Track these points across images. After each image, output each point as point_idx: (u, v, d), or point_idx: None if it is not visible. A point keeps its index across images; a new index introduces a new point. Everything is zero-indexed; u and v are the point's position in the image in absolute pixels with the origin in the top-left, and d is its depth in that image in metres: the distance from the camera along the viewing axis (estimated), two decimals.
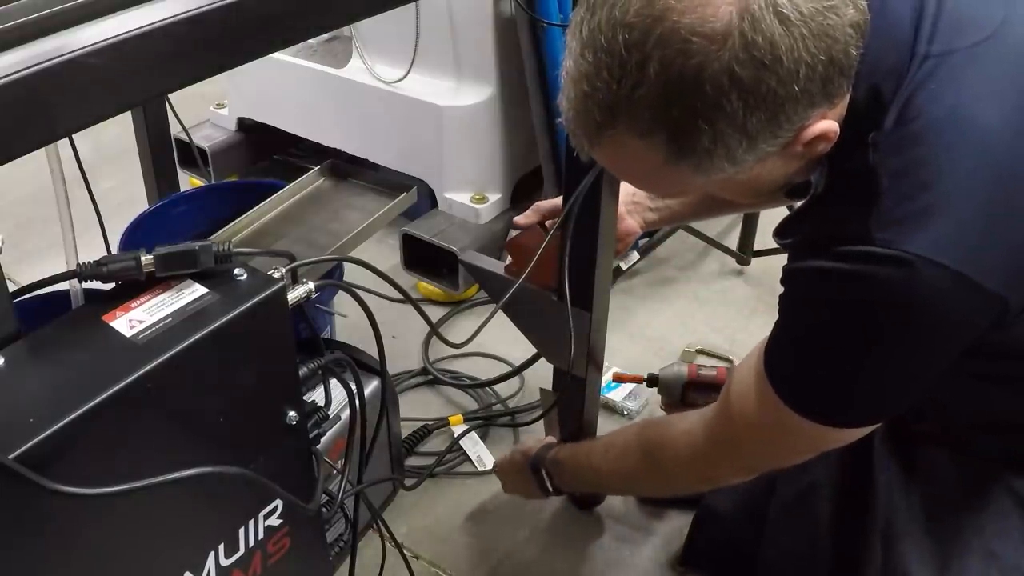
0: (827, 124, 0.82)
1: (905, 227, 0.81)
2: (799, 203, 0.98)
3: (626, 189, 1.38)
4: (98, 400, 0.72)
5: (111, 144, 2.30)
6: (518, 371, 1.53)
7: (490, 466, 1.72)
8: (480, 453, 1.75)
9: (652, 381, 1.59)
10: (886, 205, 0.82)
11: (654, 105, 0.77)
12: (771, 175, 0.88)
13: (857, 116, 0.85)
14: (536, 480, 1.43)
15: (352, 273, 1.38)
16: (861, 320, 0.87)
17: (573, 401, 1.48)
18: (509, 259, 1.41)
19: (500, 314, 1.32)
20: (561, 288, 1.32)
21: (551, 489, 1.43)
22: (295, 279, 0.92)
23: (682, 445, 1.15)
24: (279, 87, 2.28)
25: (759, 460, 1.10)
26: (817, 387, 0.95)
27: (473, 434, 1.78)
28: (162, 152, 1.69)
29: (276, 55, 1.98)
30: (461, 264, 1.50)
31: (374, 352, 1.13)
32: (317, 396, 1.05)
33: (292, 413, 0.93)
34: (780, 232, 0.99)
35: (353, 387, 1.04)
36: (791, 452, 1.06)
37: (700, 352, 1.99)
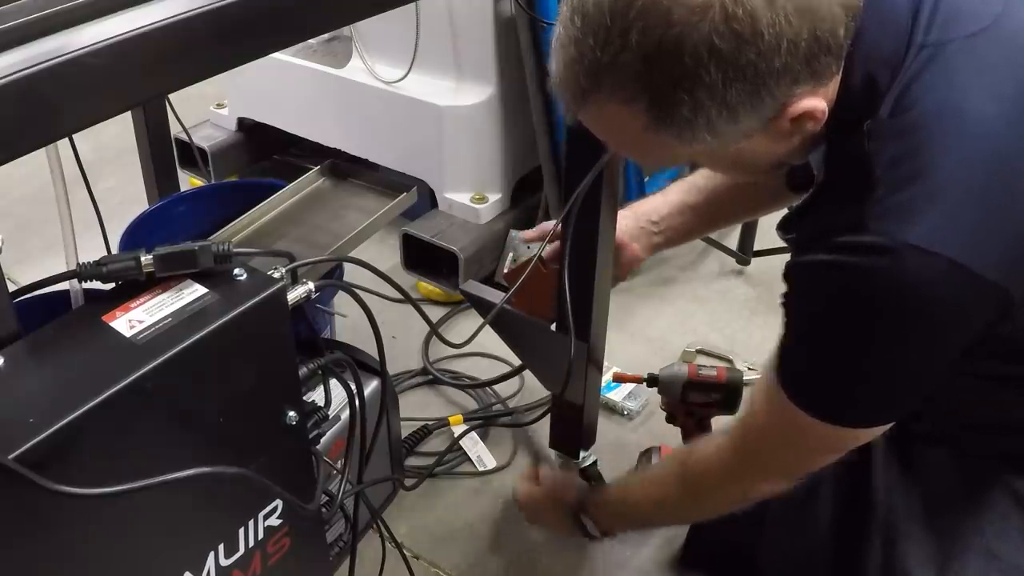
0: (813, 102, 0.81)
1: (900, 217, 0.81)
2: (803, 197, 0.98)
3: (629, 216, 1.39)
4: (98, 400, 0.72)
5: (111, 144, 2.30)
6: (518, 371, 1.53)
7: (490, 466, 1.72)
8: (480, 453, 1.75)
9: (652, 381, 1.59)
10: (880, 195, 0.82)
11: (635, 73, 0.77)
12: (760, 152, 0.88)
13: (853, 102, 0.85)
14: (579, 527, 1.40)
15: (352, 273, 1.38)
16: (858, 313, 0.86)
17: (573, 404, 1.48)
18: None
19: None
20: (561, 313, 1.33)
21: (598, 535, 1.40)
22: (295, 279, 0.92)
23: (714, 464, 1.14)
24: (279, 87, 2.28)
25: (785, 466, 1.08)
26: (823, 385, 0.94)
27: (473, 434, 1.78)
28: (162, 152, 1.69)
29: (276, 55, 1.98)
30: (463, 293, 1.51)
31: (374, 352, 1.13)
32: (317, 396, 1.05)
33: (292, 413, 0.93)
34: (783, 226, 0.99)
35: (353, 387, 1.04)
36: (811, 455, 1.05)
37: (700, 352, 1.99)
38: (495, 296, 1.44)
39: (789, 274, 0.95)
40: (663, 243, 1.45)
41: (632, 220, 1.41)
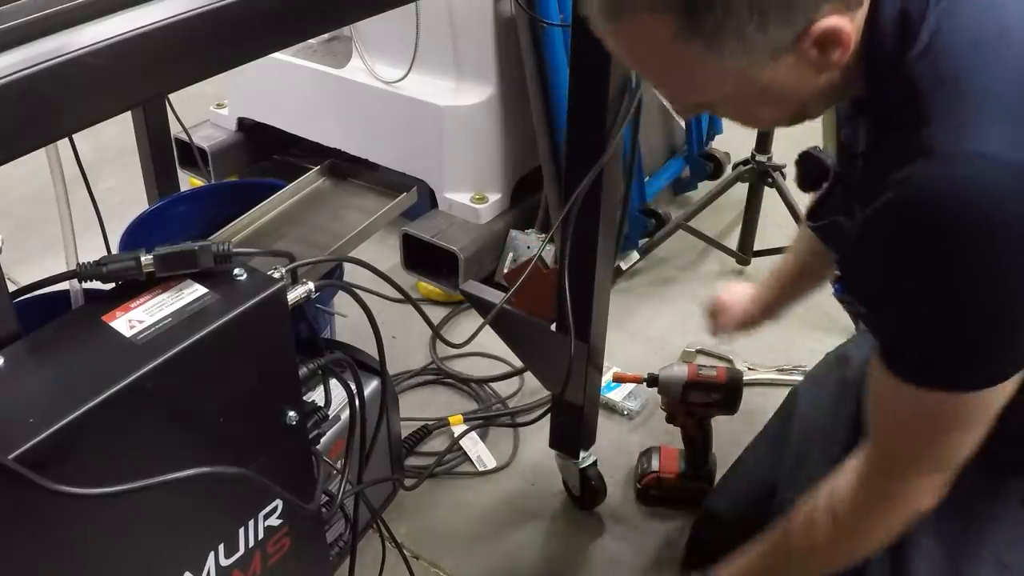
0: (840, 21, 0.80)
1: (959, 135, 0.78)
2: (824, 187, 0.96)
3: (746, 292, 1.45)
4: (98, 400, 0.72)
5: (111, 144, 2.30)
6: (520, 371, 1.54)
7: (490, 466, 1.72)
8: (480, 453, 1.75)
9: (652, 381, 1.59)
10: (937, 115, 0.80)
11: None
12: (786, 85, 0.85)
13: (885, 40, 0.84)
14: None
15: (352, 273, 1.38)
16: (939, 244, 0.80)
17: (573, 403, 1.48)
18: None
19: None
20: (561, 313, 1.33)
21: None
22: (295, 279, 0.92)
23: (860, 496, 1.01)
24: (279, 87, 2.28)
25: (934, 462, 0.97)
26: (929, 347, 0.88)
27: (473, 434, 1.78)
28: (162, 152, 1.69)
29: (276, 55, 1.98)
30: (463, 293, 1.51)
31: (374, 352, 1.13)
32: (317, 396, 1.05)
33: (292, 413, 0.93)
34: (812, 214, 0.97)
35: (353, 387, 1.04)
36: (952, 438, 0.94)
37: (700, 352, 1.99)
38: (495, 296, 1.44)
39: (860, 236, 0.90)
40: (765, 314, 1.50)
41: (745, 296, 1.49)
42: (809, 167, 1.02)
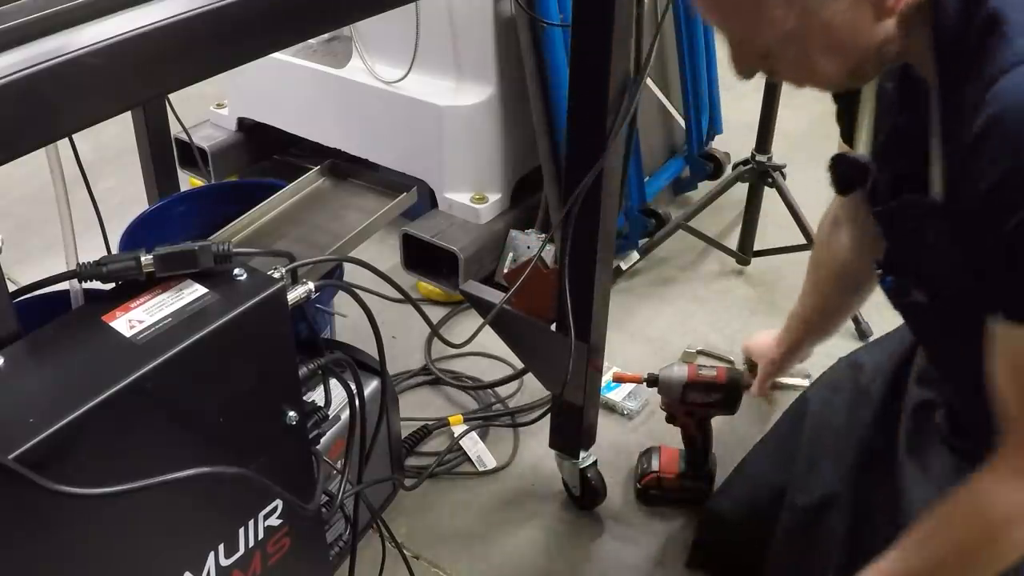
0: None
1: None
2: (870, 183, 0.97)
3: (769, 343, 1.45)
4: (98, 400, 0.72)
5: (111, 144, 2.30)
6: (520, 374, 1.53)
7: (490, 466, 1.72)
8: (480, 453, 1.75)
9: (652, 381, 1.59)
10: (1015, 35, 0.78)
11: None
12: (848, 25, 0.84)
13: (949, 14, 0.84)
14: None
15: (352, 273, 1.38)
16: None
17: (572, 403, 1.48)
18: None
19: None
20: (561, 313, 1.33)
21: None
22: (295, 279, 0.93)
23: (1002, 480, 0.92)
24: (279, 87, 2.28)
25: None
26: None
27: (473, 434, 1.78)
28: (162, 152, 1.70)
29: (276, 55, 1.98)
30: (463, 293, 1.51)
31: (374, 352, 1.13)
32: (317, 396, 1.05)
33: (292, 413, 0.93)
34: (873, 199, 0.97)
35: (353, 387, 1.04)
36: None
37: (700, 352, 1.99)
38: (495, 296, 1.44)
39: (956, 177, 0.86)
40: (793, 352, 1.50)
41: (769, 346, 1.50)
42: (844, 168, 1.02)
